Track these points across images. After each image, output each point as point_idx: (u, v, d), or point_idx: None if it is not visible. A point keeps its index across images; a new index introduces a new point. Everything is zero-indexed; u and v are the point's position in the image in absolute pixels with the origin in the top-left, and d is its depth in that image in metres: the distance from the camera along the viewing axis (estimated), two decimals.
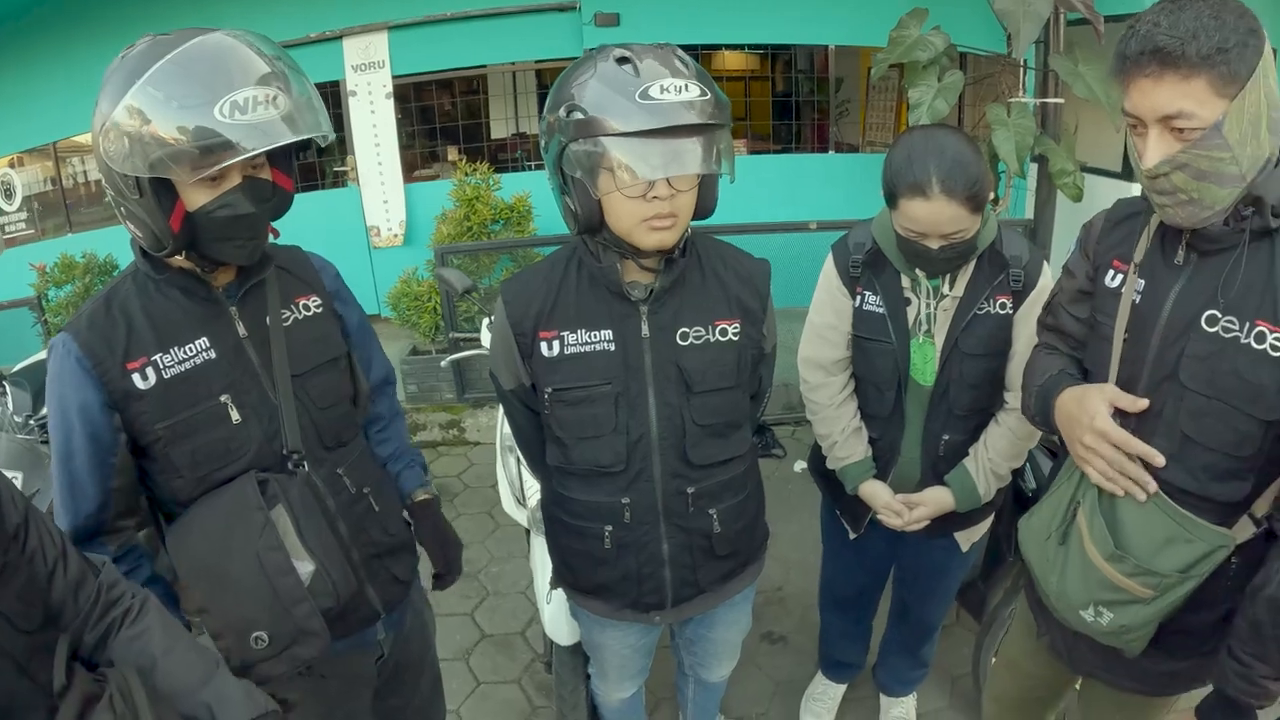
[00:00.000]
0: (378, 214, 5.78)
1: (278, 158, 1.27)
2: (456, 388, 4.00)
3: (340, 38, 5.62)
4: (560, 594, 1.96)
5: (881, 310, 1.76)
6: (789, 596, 3.02)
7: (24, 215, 7.20)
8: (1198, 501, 1.23)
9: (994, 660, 1.98)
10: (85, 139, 6.72)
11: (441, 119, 6.33)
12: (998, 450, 1.79)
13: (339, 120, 5.92)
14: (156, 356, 1.26)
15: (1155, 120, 1.11)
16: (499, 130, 6.62)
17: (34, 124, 6.41)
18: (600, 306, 1.47)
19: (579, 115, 1.26)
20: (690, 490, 1.55)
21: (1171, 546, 1.21)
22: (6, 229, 7.29)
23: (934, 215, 1.55)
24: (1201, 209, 1.13)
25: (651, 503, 1.55)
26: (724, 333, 1.50)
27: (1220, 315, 1.17)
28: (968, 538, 1.99)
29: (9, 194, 7.19)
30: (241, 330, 1.34)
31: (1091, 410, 1.27)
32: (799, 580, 2.33)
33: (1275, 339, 1.12)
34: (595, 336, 1.46)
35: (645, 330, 1.47)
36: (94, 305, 1.28)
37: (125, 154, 1.12)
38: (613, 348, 1.46)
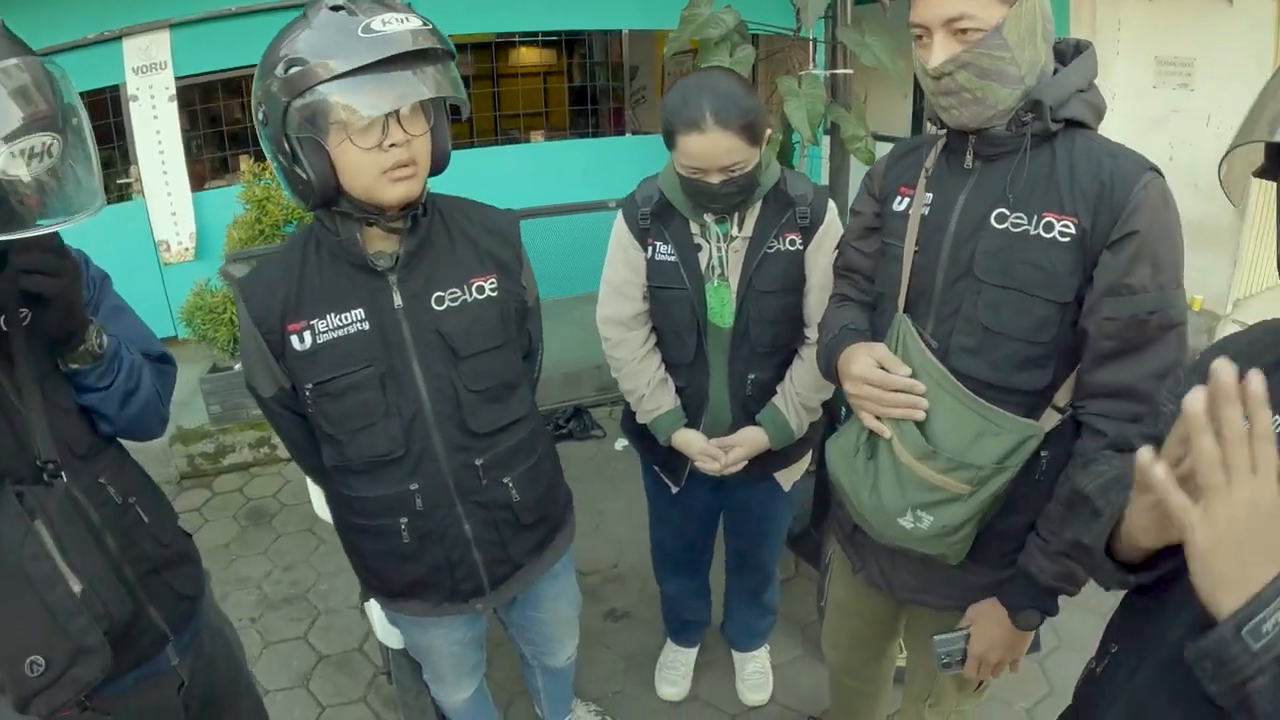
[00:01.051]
0: (166, 227, 5.32)
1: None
2: None
3: (120, 38, 5.13)
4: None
5: (674, 258, 1.76)
6: (626, 573, 3.02)
7: None
8: (1003, 394, 1.27)
9: (824, 605, 2.00)
10: None
11: (230, 124, 5.93)
12: (804, 384, 1.83)
13: (119, 129, 5.43)
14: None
15: (940, 25, 1.17)
16: None
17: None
18: (347, 285, 1.38)
19: (298, 68, 1.19)
20: (479, 462, 1.48)
21: (982, 440, 1.26)
22: None
23: (710, 147, 1.57)
24: (985, 108, 1.20)
25: (442, 483, 1.47)
26: (481, 290, 1.45)
27: (1009, 212, 1.24)
28: (788, 477, 2.02)
29: None
30: (397, 300, 1.36)
31: (856, 363, 1.34)
32: (633, 555, 2.32)
33: (1062, 226, 1.20)
34: (347, 318, 1.37)
35: (398, 301, 1.39)
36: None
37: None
38: (367, 326, 1.38)
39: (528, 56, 7.22)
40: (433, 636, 1.72)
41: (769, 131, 1.67)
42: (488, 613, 1.79)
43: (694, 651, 2.53)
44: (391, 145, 1.25)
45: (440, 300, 1.42)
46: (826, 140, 4.77)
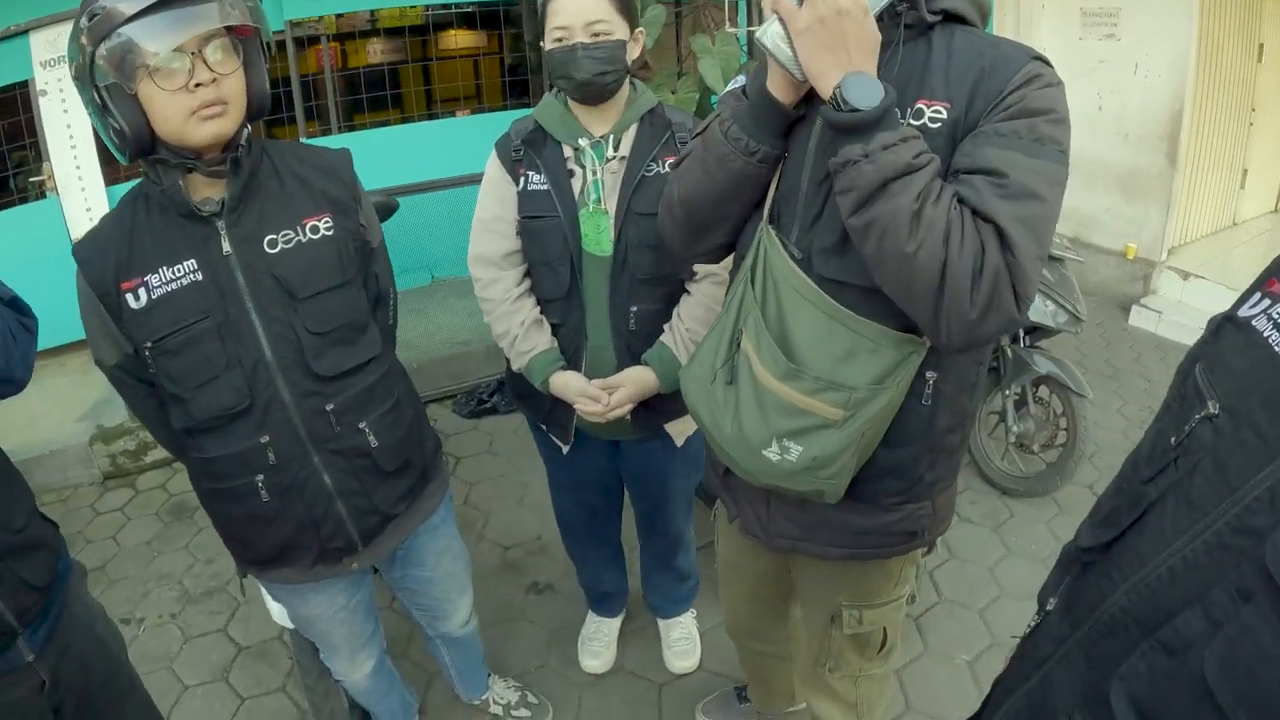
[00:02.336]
0: (81, 224, 5.17)
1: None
2: None
3: (27, 32, 5.00)
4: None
5: (545, 186, 1.71)
6: (549, 544, 2.98)
7: None
8: (870, 296, 1.14)
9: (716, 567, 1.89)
10: None
11: None
12: (693, 318, 1.75)
13: (30, 125, 5.26)
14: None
15: None
16: None
17: None
18: (178, 236, 1.36)
19: (98, 15, 1.19)
20: (330, 407, 1.44)
21: (855, 359, 1.15)
22: None
23: (576, 4, 1.58)
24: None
25: (293, 433, 1.42)
26: (315, 230, 1.43)
27: None
28: (680, 431, 1.95)
29: None
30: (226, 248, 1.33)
31: None
32: (556, 527, 2.28)
33: (933, 111, 1.11)
34: (179, 270, 1.35)
35: (227, 247, 1.36)
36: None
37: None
38: (200, 276, 1.36)
39: (463, 40, 7.14)
40: (313, 605, 1.67)
41: (640, 32, 1.67)
42: (369, 575, 1.75)
43: (617, 621, 2.49)
44: (198, 85, 1.23)
45: (273, 243, 1.39)
46: None
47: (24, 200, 5.63)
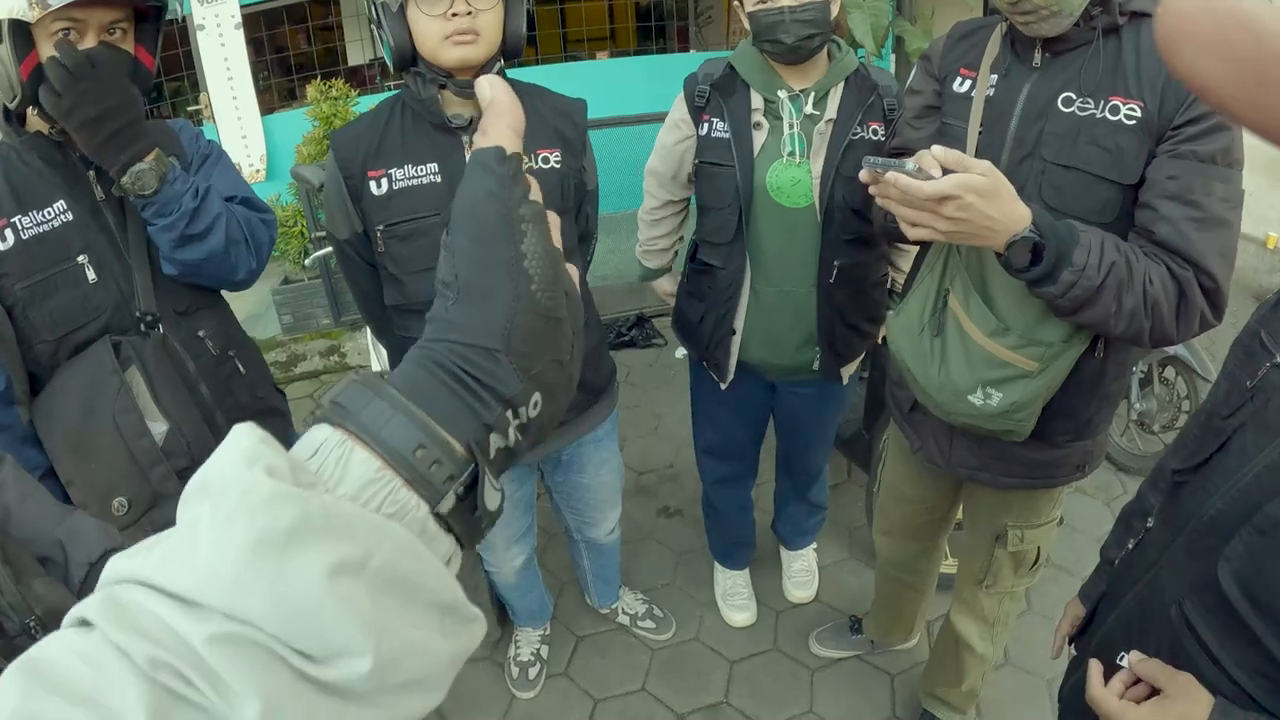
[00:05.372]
0: (237, 150, 5.47)
1: (144, 35, 1.33)
2: (332, 311, 3.85)
3: None
4: None
5: (727, 135, 1.76)
6: (681, 472, 3.08)
7: None
8: None
9: (876, 495, 2.02)
10: None
11: (296, 53, 6.03)
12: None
13: (189, 58, 5.57)
14: (15, 219, 1.29)
15: None
16: (355, 56, 6.35)
17: None
18: (425, 141, 1.51)
19: None
20: None
21: (1050, 316, 1.27)
22: None
23: None
24: (1062, 19, 1.22)
25: None
26: (546, 160, 1.56)
27: (1075, 96, 1.25)
28: (847, 371, 2.01)
29: None
30: (99, 194, 1.36)
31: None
32: (687, 456, 2.39)
33: (1128, 110, 1.21)
34: (421, 170, 1.50)
35: (469, 159, 1.45)
36: None
37: None
38: (439, 179, 1.50)
39: None
40: None
41: None
42: (533, 474, 1.88)
43: (747, 572, 2.55)
44: (454, 14, 1.37)
45: None
46: (892, 57, 4.69)
47: None
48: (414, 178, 1.49)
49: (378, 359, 2.32)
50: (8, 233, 1.28)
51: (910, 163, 1.15)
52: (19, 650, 0.72)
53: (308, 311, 3.93)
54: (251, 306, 4.31)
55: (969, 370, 1.33)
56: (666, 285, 2.15)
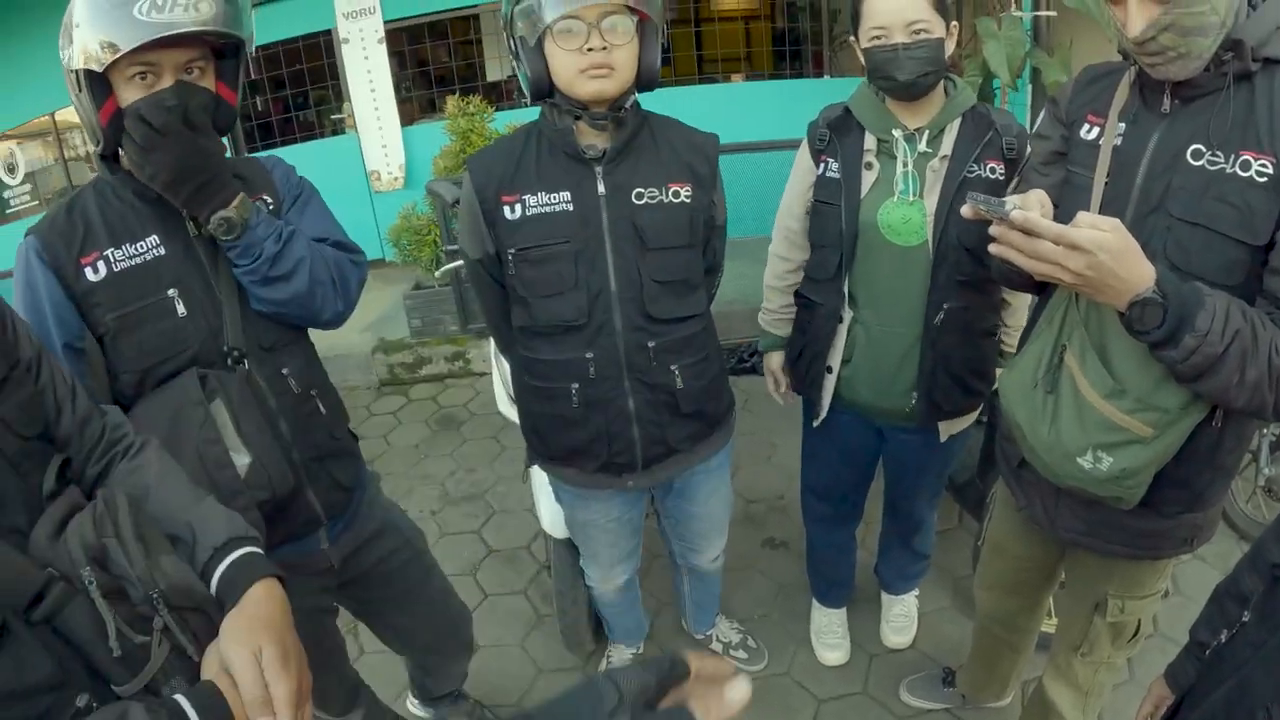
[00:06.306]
0: (377, 159, 5.79)
1: (225, 72, 1.34)
2: (459, 318, 4.02)
3: None
4: (549, 488, 2.00)
5: (838, 175, 1.79)
6: (790, 504, 3.07)
7: (28, 188, 7.27)
8: None
9: (981, 547, 1.97)
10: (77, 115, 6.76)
11: (436, 67, 6.30)
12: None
13: (334, 69, 5.91)
14: (108, 251, 1.31)
15: None
16: (494, 72, 6.59)
17: (28, 99, 6.39)
18: (558, 169, 1.56)
19: None
20: (651, 344, 1.62)
21: (1170, 382, 1.21)
22: (11, 203, 7.35)
23: (895, 2, 1.60)
24: (1191, 60, 1.17)
25: (615, 357, 1.61)
26: (676, 194, 1.59)
27: (1205, 149, 1.20)
28: (948, 429, 1.98)
29: (12, 169, 7.26)
30: (192, 230, 1.37)
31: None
32: (799, 489, 2.38)
33: (1260, 165, 1.15)
34: (554, 198, 1.55)
35: (601, 189, 1.56)
36: (55, 210, 1.34)
37: (66, 51, 1.22)
38: (571, 207, 1.55)
39: (728, 1, 7.20)
40: (591, 511, 1.88)
41: (954, 26, 1.66)
42: (643, 497, 1.92)
43: (844, 612, 2.53)
44: (589, 49, 1.42)
45: (640, 196, 1.57)
46: (1029, 88, 4.54)
47: (325, 134, 6.31)
48: (547, 205, 1.55)
49: (499, 371, 2.42)
50: (100, 264, 1.30)
51: (1011, 202, 1.13)
52: (140, 618, 0.82)
53: (436, 317, 4.13)
54: (383, 309, 4.53)
55: (1081, 431, 1.28)
56: (777, 363, 2.12)
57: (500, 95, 6.50)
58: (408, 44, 6.10)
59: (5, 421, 0.86)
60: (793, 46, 6.35)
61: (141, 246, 1.33)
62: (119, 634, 0.79)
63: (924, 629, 2.52)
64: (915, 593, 2.55)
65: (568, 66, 1.45)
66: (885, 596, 2.54)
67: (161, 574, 0.84)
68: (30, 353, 0.97)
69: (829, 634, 2.48)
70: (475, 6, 5.87)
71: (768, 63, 6.53)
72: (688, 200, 1.60)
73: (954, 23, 1.67)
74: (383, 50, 5.70)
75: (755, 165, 4.17)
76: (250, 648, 0.82)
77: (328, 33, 5.76)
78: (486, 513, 3.18)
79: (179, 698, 0.76)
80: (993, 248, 1.18)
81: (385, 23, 5.67)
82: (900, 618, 2.51)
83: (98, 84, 1.22)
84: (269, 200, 1.45)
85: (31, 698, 0.75)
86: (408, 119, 5.96)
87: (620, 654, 2.38)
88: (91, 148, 1.32)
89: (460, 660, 2.07)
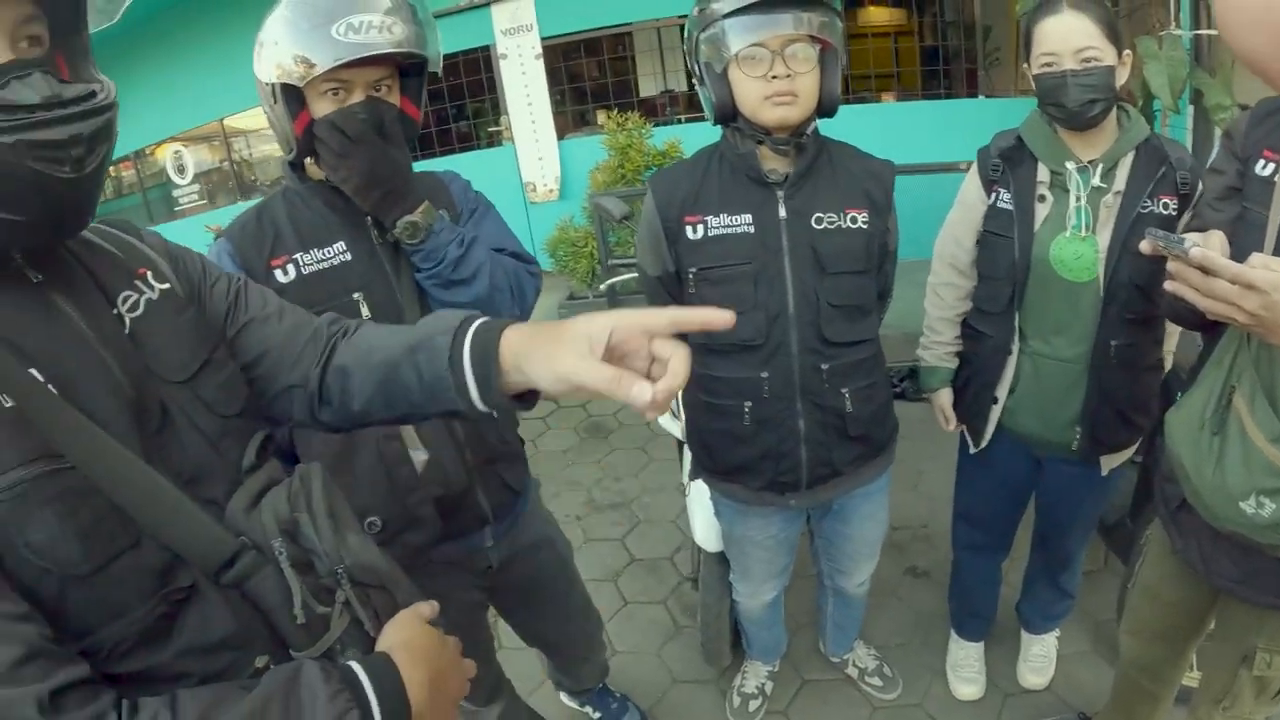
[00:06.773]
0: (533, 170, 6.03)
1: (409, 88, 1.44)
2: None
3: (489, 4, 5.89)
4: (707, 502, 2.08)
5: (1010, 207, 1.80)
6: (935, 533, 3.06)
7: (196, 188, 7.93)
8: None
9: (1130, 591, 1.93)
10: (244, 121, 7.34)
11: (591, 82, 6.51)
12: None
13: (491, 83, 6.20)
14: (297, 255, 1.41)
15: None
16: (647, 88, 6.75)
17: (198, 105, 6.95)
18: (740, 192, 1.62)
19: (702, 9, 1.51)
20: (825, 367, 1.67)
21: None
22: (180, 201, 8.05)
23: (1065, 28, 1.61)
24: None
25: (789, 378, 1.67)
26: (854, 220, 1.64)
27: None
28: (1109, 463, 1.97)
29: (181, 170, 7.96)
30: (376, 237, 1.45)
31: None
32: (945, 518, 2.37)
33: None
34: (736, 220, 1.61)
35: (782, 213, 1.62)
36: (247, 215, 1.46)
37: (262, 65, 1.33)
38: (752, 230, 1.61)
39: (877, 16, 7.11)
40: (750, 526, 1.95)
41: (1127, 54, 1.64)
42: (802, 517, 1.99)
43: (981, 646, 2.52)
44: (774, 77, 1.48)
45: (819, 220, 1.62)
46: (1190, 110, 4.31)
47: (482, 146, 6.61)
48: (729, 226, 1.61)
49: None
50: (290, 267, 1.39)
51: (1191, 239, 1.13)
52: (325, 590, 0.88)
53: None
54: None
55: (1245, 474, 1.25)
56: (948, 400, 2.09)
57: (653, 110, 6.67)
58: (563, 60, 6.32)
59: (206, 403, 0.90)
60: (944, 65, 6.21)
61: (329, 252, 1.42)
62: (303, 603, 0.83)
63: (1061, 672, 2.49)
64: (1056, 633, 2.52)
65: (752, 93, 1.51)
66: (1025, 635, 2.51)
67: (348, 550, 0.88)
68: (224, 304, 0.99)
69: (965, 668, 2.48)
70: (629, 25, 6.05)
71: (917, 81, 6.42)
72: (865, 226, 1.64)
73: (1126, 51, 1.65)
74: (540, 66, 5.94)
75: (908, 189, 4.12)
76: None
77: (486, 48, 6.04)
78: (631, 522, 3.29)
79: (353, 663, 0.81)
80: (1168, 284, 1.17)
81: (542, 39, 5.91)
82: (1039, 658, 2.48)
83: (292, 96, 1.32)
84: (447, 212, 1.53)
85: (214, 653, 0.82)
86: (561, 132, 6.18)
87: (755, 670, 2.45)
88: (283, 154, 1.42)
89: (591, 662, 2.21)
